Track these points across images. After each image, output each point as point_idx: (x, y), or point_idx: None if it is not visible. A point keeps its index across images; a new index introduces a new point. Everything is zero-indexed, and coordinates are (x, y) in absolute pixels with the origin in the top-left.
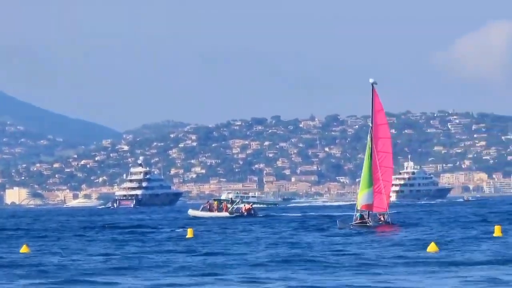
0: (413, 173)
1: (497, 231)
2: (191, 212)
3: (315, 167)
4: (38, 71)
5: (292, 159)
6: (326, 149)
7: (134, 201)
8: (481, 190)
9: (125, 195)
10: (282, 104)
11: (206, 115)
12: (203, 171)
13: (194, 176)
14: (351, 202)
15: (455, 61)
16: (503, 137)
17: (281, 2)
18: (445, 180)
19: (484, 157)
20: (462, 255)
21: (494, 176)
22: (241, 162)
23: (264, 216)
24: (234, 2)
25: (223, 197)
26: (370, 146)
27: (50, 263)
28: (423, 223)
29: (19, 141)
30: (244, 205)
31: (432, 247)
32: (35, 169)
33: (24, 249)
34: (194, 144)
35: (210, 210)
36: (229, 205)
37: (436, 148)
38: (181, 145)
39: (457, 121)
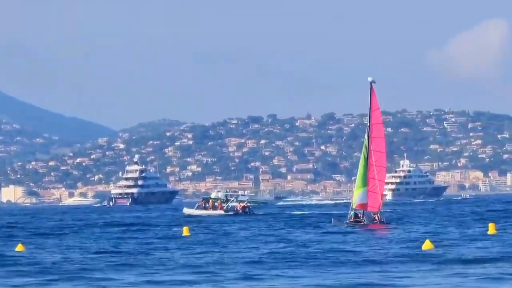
0: (409, 171)
1: (491, 229)
2: (186, 211)
3: (311, 166)
4: (37, 70)
5: (288, 157)
6: (322, 147)
7: (130, 199)
8: (477, 189)
9: (121, 194)
10: (278, 102)
11: (202, 113)
12: (199, 169)
13: (190, 174)
14: (345, 201)
15: (451, 59)
16: (499, 136)
17: (277, 2)
18: (441, 178)
19: (480, 156)
20: (457, 253)
21: (490, 174)
22: (237, 161)
23: (265, 214)
24: (230, 1)
25: (213, 195)
26: (367, 144)
27: (45, 260)
28: (420, 221)
29: (15, 139)
30: (239, 203)
31: (427, 245)
32: (30, 167)
33: (19, 247)
34: (190, 142)
35: (205, 208)
36: (223, 204)
37: (432, 146)
38: (177, 143)
39: (453, 119)
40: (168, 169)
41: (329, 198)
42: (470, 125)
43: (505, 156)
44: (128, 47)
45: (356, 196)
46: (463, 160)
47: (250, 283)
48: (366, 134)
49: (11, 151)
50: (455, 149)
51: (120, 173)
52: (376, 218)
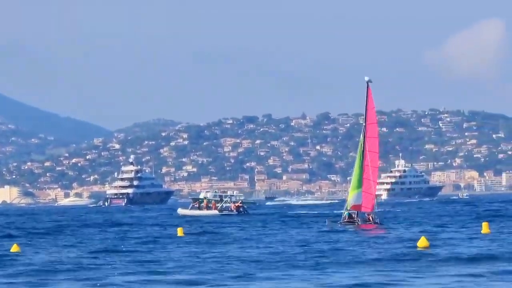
0: (404, 171)
1: (485, 228)
2: (181, 211)
3: (306, 166)
4: (36, 70)
5: (284, 157)
6: (318, 147)
7: (126, 199)
8: (472, 188)
9: (116, 194)
10: (274, 102)
11: (197, 113)
12: (195, 169)
13: (186, 174)
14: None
15: (447, 59)
16: (494, 135)
17: (276, 2)
18: (436, 178)
19: (475, 155)
20: (452, 251)
21: (485, 174)
22: (232, 161)
23: (253, 215)
24: (229, 1)
25: (201, 195)
26: (363, 144)
27: (40, 260)
28: (415, 220)
29: (10, 140)
30: (233, 203)
31: (422, 242)
32: (26, 167)
33: (14, 248)
34: (186, 142)
35: (199, 208)
36: (218, 204)
37: (427, 146)
38: (173, 143)
39: (448, 119)
40: (164, 170)
41: (324, 198)
42: (465, 125)
43: (500, 155)
44: (128, 47)
45: (351, 197)
46: (458, 160)
47: (247, 283)
48: (362, 134)
49: (6, 151)
50: (450, 149)
51: (116, 173)
52: (370, 218)
